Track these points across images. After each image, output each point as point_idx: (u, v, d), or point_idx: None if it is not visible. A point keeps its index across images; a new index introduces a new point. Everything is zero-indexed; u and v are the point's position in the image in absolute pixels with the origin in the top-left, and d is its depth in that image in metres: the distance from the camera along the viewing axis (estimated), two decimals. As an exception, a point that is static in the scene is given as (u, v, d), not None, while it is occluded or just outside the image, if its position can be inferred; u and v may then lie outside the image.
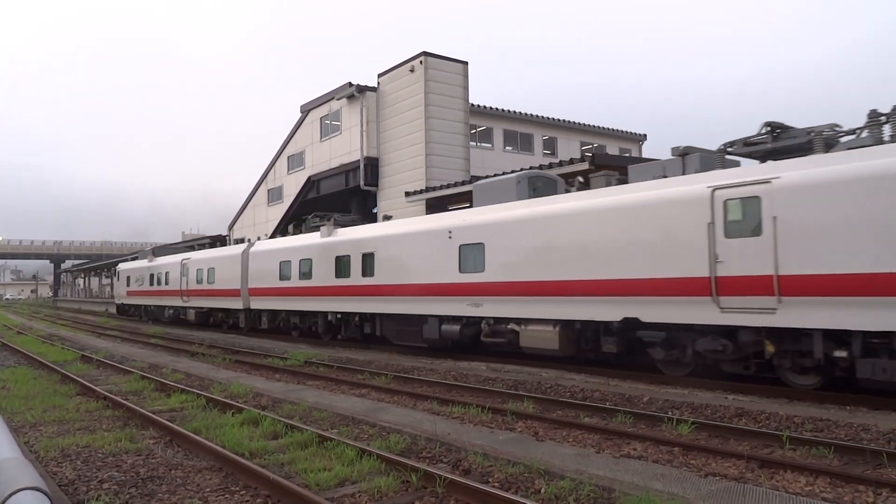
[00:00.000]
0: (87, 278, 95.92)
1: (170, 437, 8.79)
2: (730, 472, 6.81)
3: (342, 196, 31.33)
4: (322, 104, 31.86)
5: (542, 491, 6.18)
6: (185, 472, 7.21)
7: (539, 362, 14.73)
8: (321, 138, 32.15)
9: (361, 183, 28.26)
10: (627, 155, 33.68)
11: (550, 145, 33.23)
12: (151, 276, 34.87)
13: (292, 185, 34.18)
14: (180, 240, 69.57)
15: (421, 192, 25.00)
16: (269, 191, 37.04)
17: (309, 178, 32.48)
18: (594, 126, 34.80)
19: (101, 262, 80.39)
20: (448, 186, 23.83)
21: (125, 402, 11.05)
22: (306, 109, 33.35)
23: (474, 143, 29.43)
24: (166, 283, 32.82)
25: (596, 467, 6.82)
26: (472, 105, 28.49)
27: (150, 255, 36.45)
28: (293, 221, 30.02)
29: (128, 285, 37.15)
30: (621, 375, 12.94)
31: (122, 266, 40.09)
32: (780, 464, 6.92)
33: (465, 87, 27.28)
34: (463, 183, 23.59)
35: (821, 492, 6.16)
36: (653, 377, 12.46)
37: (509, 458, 7.22)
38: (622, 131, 36.12)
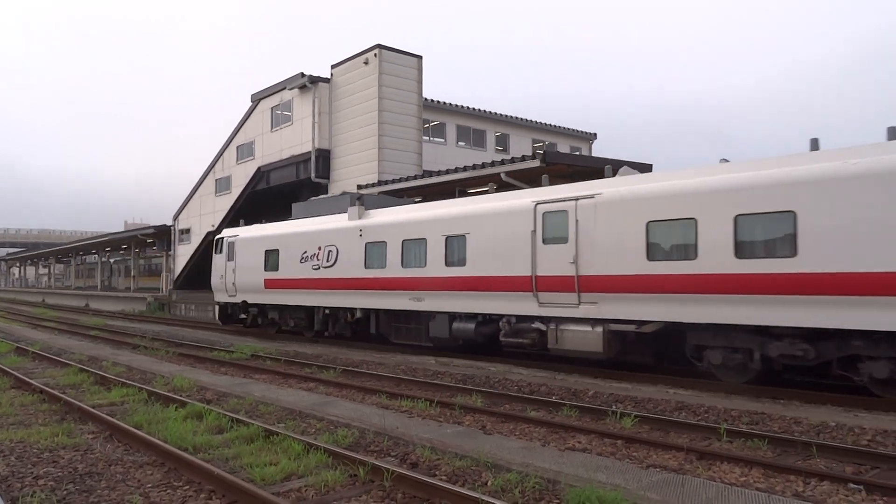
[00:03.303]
0: (23, 268, 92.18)
1: (110, 432, 8.56)
2: (670, 463, 7.02)
3: (292, 188, 30.89)
4: (273, 94, 31.33)
5: (489, 483, 6.26)
6: (126, 468, 7.04)
7: (487, 357, 14.86)
8: (272, 128, 31.62)
9: (313, 175, 27.92)
10: (578, 153, 34.19)
11: (503, 142, 33.46)
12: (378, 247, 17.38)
13: (241, 176, 33.53)
14: (123, 229, 67.48)
15: (373, 185, 24.87)
16: (216, 181, 36.25)
17: (259, 168, 31.91)
18: (546, 124, 35.18)
19: (40, 251, 77.37)
20: (401, 180, 23.77)
21: (63, 395, 10.70)
22: (257, 99, 32.73)
23: (427, 138, 29.41)
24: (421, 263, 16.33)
25: (542, 460, 6.94)
26: (426, 99, 28.46)
27: (351, 205, 18.35)
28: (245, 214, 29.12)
29: (265, 267, 20.51)
30: (567, 370, 13.17)
31: (243, 233, 22.29)
32: (718, 455, 7.17)
33: (419, 81, 27.22)
34: (416, 177, 23.56)
35: (754, 482, 6.41)
36: (598, 371, 12.72)
37: (457, 451, 7.28)
38: (574, 130, 36.62)
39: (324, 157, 28.10)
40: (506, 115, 33.30)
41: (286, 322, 20.79)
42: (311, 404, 10.22)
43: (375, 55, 26.12)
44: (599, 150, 38.81)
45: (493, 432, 8.42)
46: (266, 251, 20.54)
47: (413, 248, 15.88)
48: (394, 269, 16.18)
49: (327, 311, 18.75)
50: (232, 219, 34.19)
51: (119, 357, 16.65)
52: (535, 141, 34.40)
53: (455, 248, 14.88)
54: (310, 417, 9.36)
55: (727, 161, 11.52)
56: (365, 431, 8.34)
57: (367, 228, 17.15)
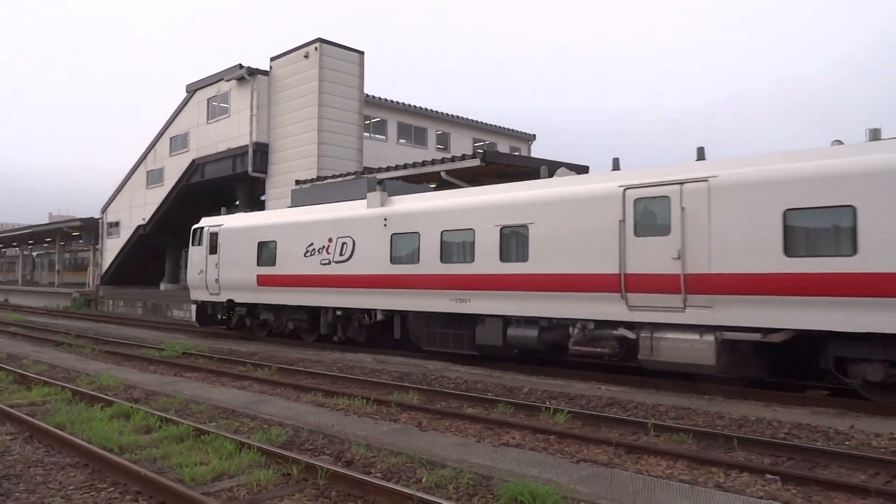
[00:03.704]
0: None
1: (30, 433, 8.19)
2: (600, 457, 7.21)
3: (228, 181, 30.21)
4: (210, 85, 30.54)
5: (424, 480, 6.29)
6: (47, 470, 6.76)
7: (426, 354, 14.90)
8: (208, 120, 30.83)
9: (250, 169, 27.37)
10: (517, 153, 34.63)
11: (444, 140, 33.58)
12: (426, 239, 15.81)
13: (175, 168, 32.56)
14: (48, 221, 64.53)
15: (312, 180, 24.57)
16: (148, 172, 35.09)
17: (193, 161, 31.06)
18: (487, 123, 35.49)
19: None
20: (341, 176, 23.57)
21: (-22, 395, 10.17)
22: (193, 89, 31.84)
23: (368, 135, 29.25)
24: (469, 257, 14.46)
25: (476, 456, 7.02)
26: (368, 96, 28.29)
27: (370, 190, 16.33)
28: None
29: (258, 262, 18.05)
30: (503, 367, 13.34)
31: (229, 222, 19.71)
32: (645, 449, 7.41)
33: (361, 77, 27.04)
34: (356, 174, 23.40)
35: (679, 474, 6.65)
36: (532, 369, 12.94)
37: (392, 448, 7.29)
38: (513, 130, 37.07)
39: (262, 151, 27.58)
40: (447, 114, 33.43)
41: (282, 324, 18.20)
42: (244, 403, 10.03)
43: (316, 49, 25.79)
44: (538, 150, 39.40)
45: (428, 429, 8.46)
46: (259, 243, 17.97)
47: (456, 241, 13.63)
48: (430, 264, 13.88)
49: (338, 313, 16.30)
50: (164, 213, 33.23)
51: (41, 355, 15.94)
52: (475, 140, 34.67)
53: (513, 240, 12.73)
54: (243, 416, 9.19)
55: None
56: (299, 430, 8.25)
57: (393, 217, 14.77)
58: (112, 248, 37.76)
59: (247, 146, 27.56)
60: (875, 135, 9.59)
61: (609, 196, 11.43)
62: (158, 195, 33.66)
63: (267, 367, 13.62)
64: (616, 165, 12.31)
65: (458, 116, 34.00)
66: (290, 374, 13.20)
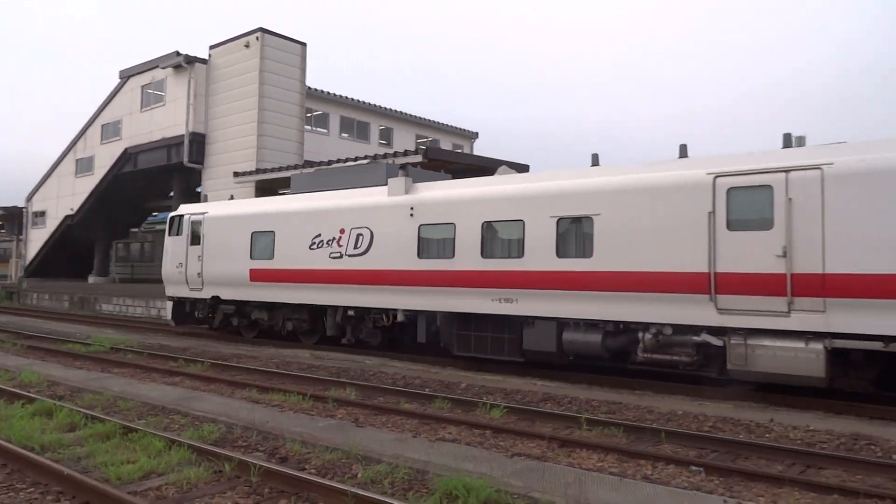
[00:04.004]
0: None
1: (-59, 432, 7.77)
2: (534, 451, 7.35)
3: (162, 172, 29.30)
4: (145, 71, 29.53)
5: (359, 476, 6.28)
6: (-40, 470, 6.43)
7: (365, 350, 14.83)
8: (142, 108, 29.81)
9: (185, 159, 26.60)
10: (460, 150, 34.78)
11: (386, 135, 33.43)
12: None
13: (106, 157, 31.35)
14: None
15: (251, 172, 24.09)
16: (77, 161, 33.68)
17: (126, 150, 29.97)
18: (430, 120, 35.51)
19: None
20: (281, 169, 23.18)
21: None
22: (126, 75, 30.73)
23: (310, 128, 28.85)
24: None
25: (412, 451, 7.04)
26: (310, 88, 27.90)
27: (390, 175, 14.69)
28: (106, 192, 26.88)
29: (252, 254, 16.30)
30: (441, 363, 13.41)
31: (216, 209, 17.84)
32: (578, 443, 7.59)
33: (303, 69, 26.63)
34: (297, 167, 23.06)
35: (609, 467, 6.84)
36: (470, 364, 13.05)
37: (328, 444, 7.25)
38: (456, 127, 37.21)
39: (198, 142, 26.84)
40: (390, 109, 33.29)
41: (278, 325, 16.44)
42: (175, 399, 9.77)
43: (257, 39, 25.27)
44: (480, 149, 39.69)
45: (365, 425, 8.43)
46: (254, 234, 16.16)
47: (500, 234, 12.23)
48: (467, 259, 12.40)
49: (350, 313, 14.62)
50: (94, 203, 31.97)
51: (-44, 350, 15.12)
52: (418, 136, 34.66)
53: (573, 233, 11.37)
54: (173, 413, 8.95)
55: None
56: (233, 426, 8.10)
57: (422, 206, 13.20)
58: (37, 238, 36.10)
59: (183, 136, 26.77)
60: None
61: (695, 185, 10.20)
62: (88, 184, 32.36)
63: (200, 363, 13.29)
64: (683, 152, 11.07)
65: (401, 112, 33.91)
66: (224, 369, 12.92)
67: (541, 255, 11.58)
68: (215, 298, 17.31)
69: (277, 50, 25.77)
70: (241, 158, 25.32)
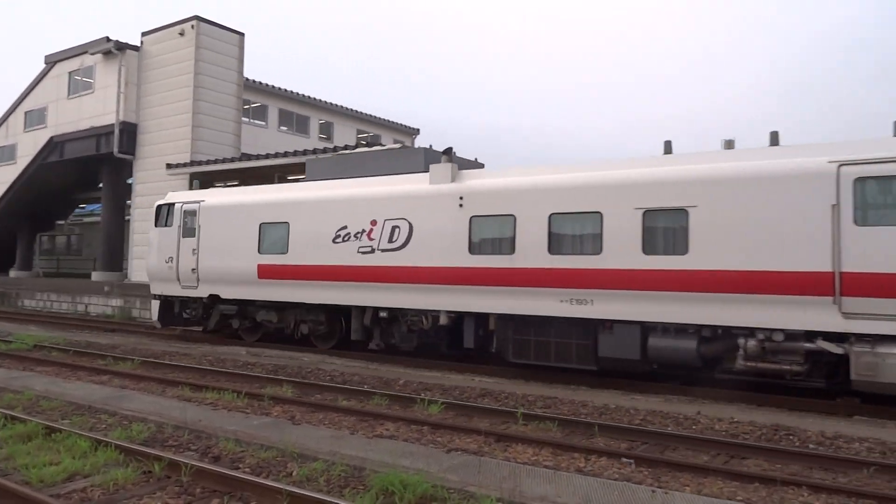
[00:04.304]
0: None
1: None
2: (471, 446, 7.42)
3: (91, 162, 28.15)
4: (73, 57, 28.29)
5: (294, 473, 6.21)
6: None
7: (300, 347, 14.64)
8: (69, 95, 28.56)
9: (116, 149, 25.64)
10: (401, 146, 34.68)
11: (327, 130, 33.05)
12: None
13: (29, 145, 29.90)
14: None
15: (185, 165, 23.42)
16: (-2, 149, 32.02)
17: (51, 138, 28.66)
18: (371, 115, 35.29)
19: None
20: (217, 161, 22.61)
21: None
22: (53, 61, 29.37)
23: (247, 120, 28.25)
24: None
25: (349, 448, 7.01)
26: (247, 79, 27.30)
27: (429, 161, 13.28)
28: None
29: (260, 248, 14.68)
30: (381, 360, 13.38)
31: (214, 197, 16.12)
32: (514, 437, 7.70)
33: (241, 60, 26.03)
34: (233, 159, 22.55)
35: (544, 460, 6.97)
36: (409, 361, 13.06)
37: (263, 442, 7.14)
38: (398, 123, 37.10)
39: (129, 132, 25.92)
40: (331, 103, 32.92)
41: (289, 327, 14.76)
42: (103, 398, 9.43)
43: (192, 27, 24.56)
44: (422, 144, 39.62)
45: (302, 422, 8.34)
46: (262, 225, 14.49)
47: (573, 227, 11.00)
48: (531, 255, 11.17)
49: (383, 314, 13.10)
50: (17, 193, 30.45)
51: None
52: (359, 131, 34.39)
53: (663, 227, 10.27)
54: (101, 412, 8.64)
55: None
56: (163, 426, 7.89)
57: (474, 196, 11.89)
58: (-48, 230, 34.17)
59: (113, 125, 25.79)
60: None
61: (816, 174, 9.20)
62: (10, 174, 30.79)
63: (130, 361, 12.86)
64: (775, 140, 10.24)
65: (342, 106, 33.58)
66: (155, 367, 12.54)
67: (623, 251, 10.39)
68: (213, 297, 15.47)
69: (214, 39, 25.11)
70: (175, 150, 24.57)
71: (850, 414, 9.05)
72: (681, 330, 10.15)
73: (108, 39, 26.08)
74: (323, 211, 13.63)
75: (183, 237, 15.87)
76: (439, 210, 12.21)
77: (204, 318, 16.16)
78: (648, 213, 10.32)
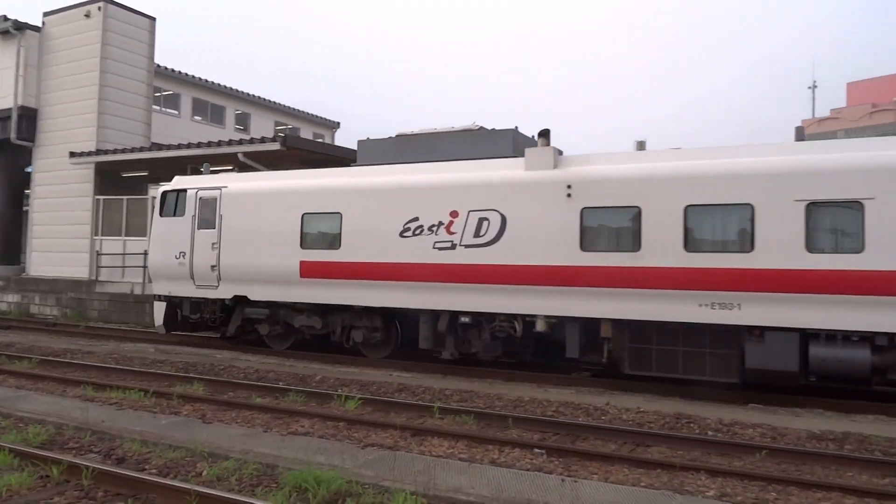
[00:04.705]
0: None
1: None
2: (387, 441, 7.44)
3: (-15, 148, 26.31)
4: (-37, 35, 26.31)
5: (204, 473, 6.06)
6: None
7: (213, 345, 14.23)
8: (-41, 76, 26.56)
9: (13, 135, 24.03)
10: (321, 140, 34.21)
11: (243, 121, 32.14)
12: None
13: (-87, 129, 27.64)
14: None
15: (91, 153, 22.24)
16: None
17: (-61, 121, 26.59)
18: (290, 107, 34.58)
19: None
20: (125, 151, 21.58)
21: None
22: (-61, 38, 27.21)
23: (159, 108, 27.11)
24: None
25: (263, 446, 6.88)
26: (159, 66, 26.19)
27: (515, 145, 12.16)
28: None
29: (302, 243, 12.76)
30: (297, 356, 13.18)
31: (239, 183, 14.02)
32: (430, 431, 7.77)
33: (151, 45, 24.91)
34: (143, 149, 21.59)
35: (459, 453, 7.07)
36: (326, 357, 12.93)
37: (171, 442, 6.92)
38: (318, 116, 36.52)
39: (29, 117, 24.36)
40: (248, 94, 32.04)
41: (335, 333, 12.94)
42: (-5, 400, 8.87)
43: (100, 9, 23.32)
44: (342, 139, 39.23)
45: (213, 421, 8.12)
46: (306, 216, 12.66)
47: (712, 221, 9.77)
48: (661, 253, 9.88)
49: (465, 319, 11.48)
50: None
51: None
52: (277, 123, 33.64)
53: (832, 223, 9.09)
54: (-7, 415, 8.13)
55: None
56: (63, 427, 7.51)
57: (584, 185, 10.48)
58: None
59: (10, 110, 24.18)
60: None
61: None
62: None
63: (28, 360, 12.15)
64: None
65: (259, 97, 32.74)
66: (54, 366, 11.89)
67: (781, 248, 9.26)
68: (239, 299, 13.49)
69: (122, 23, 23.93)
70: (80, 137, 23.28)
71: (746, 402, 9.61)
72: (847, 338, 9.08)
73: (5, 18, 24.41)
74: (387, 200, 11.91)
75: (199, 229, 13.70)
76: (540, 200, 10.74)
77: (222, 323, 14.08)
78: (813, 206, 9.18)
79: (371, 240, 11.94)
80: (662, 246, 9.90)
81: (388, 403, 9.16)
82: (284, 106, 34.31)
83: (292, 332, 13.51)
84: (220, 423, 8.04)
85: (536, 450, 7.15)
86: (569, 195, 10.54)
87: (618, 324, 10.37)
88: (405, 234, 11.69)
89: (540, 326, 10.88)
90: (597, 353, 10.76)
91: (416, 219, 11.62)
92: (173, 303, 14.25)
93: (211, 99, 30.40)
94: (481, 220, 11.12)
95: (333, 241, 12.34)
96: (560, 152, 11.08)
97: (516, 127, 12.31)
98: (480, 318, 11.43)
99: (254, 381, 10.55)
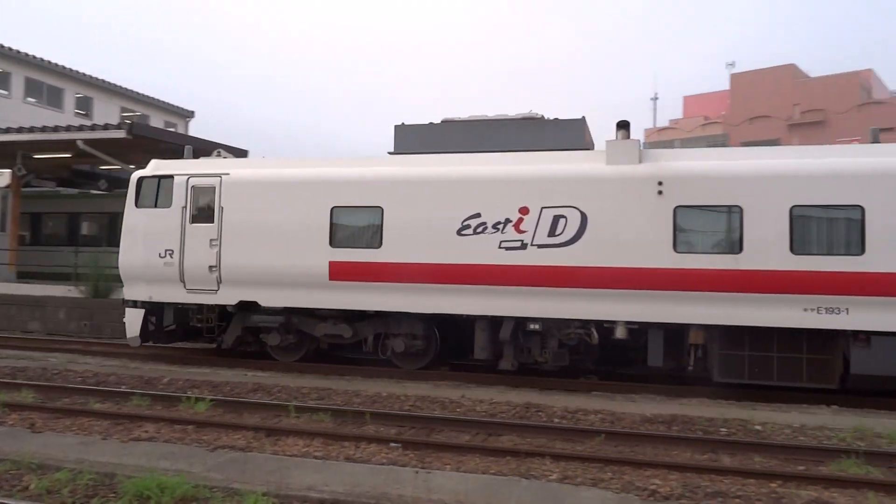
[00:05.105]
0: None
1: None
2: (239, 443, 7.22)
3: None
4: None
5: (32, 487, 5.60)
6: None
7: (45, 347, 13.09)
8: None
9: None
10: (173, 129, 32.36)
11: (85, 105, 29.73)
12: None
13: None
14: None
15: None
16: None
17: None
18: (138, 93, 32.41)
19: None
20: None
21: None
22: None
23: (-18, 87, 24.45)
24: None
25: (101, 454, 6.46)
26: (-17, 40, 23.62)
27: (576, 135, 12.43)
28: None
29: (332, 241, 11.21)
30: (143, 357, 12.45)
31: (245, 170, 12.15)
32: (284, 431, 7.63)
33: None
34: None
35: (314, 451, 7.00)
36: (174, 357, 12.30)
37: (-7, 455, 6.30)
38: (170, 104, 34.51)
39: None
40: (91, 76, 29.67)
41: (366, 343, 11.64)
42: None
43: None
44: (196, 129, 37.31)
45: (44, 430, 7.49)
46: (336, 209, 11.16)
47: (821, 222, 9.42)
48: (765, 256, 9.46)
49: (534, 327, 10.54)
50: None
51: None
52: (124, 110, 31.42)
53: None
54: None
55: None
56: None
57: (677, 181, 9.87)
58: None
59: None
60: None
61: None
62: None
63: None
64: None
65: (104, 81, 30.41)
66: None
67: (894, 251, 9.04)
68: (245, 305, 11.71)
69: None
70: None
71: (590, 390, 10.28)
72: None
73: None
74: (440, 193, 10.71)
75: (191, 223, 11.81)
76: (625, 197, 10.03)
77: (216, 333, 12.20)
78: None
79: (421, 238, 10.71)
80: (766, 248, 9.50)
81: (242, 404, 8.89)
82: (132, 91, 32.12)
83: (306, 341, 11.98)
84: (52, 431, 7.44)
85: (392, 444, 7.23)
86: (660, 192, 9.90)
87: (708, 329, 9.96)
88: (464, 232, 10.57)
89: (620, 333, 10.17)
90: (679, 360, 10.31)
91: (478, 215, 10.54)
92: (153, 310, 12.14)
93: (48, 80, 27.89)
94: (556, 218, 10.23)
95: (372, 239, 10.99)
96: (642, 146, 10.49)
97: (583, 117, 11.60)
98: (550, 325, 10.54)
99: (92, 386, 9.82)
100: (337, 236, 11.13)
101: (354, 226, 11.19)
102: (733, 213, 9.67)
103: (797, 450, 7.19)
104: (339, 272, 11.06)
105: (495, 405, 9.09)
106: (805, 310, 9.32)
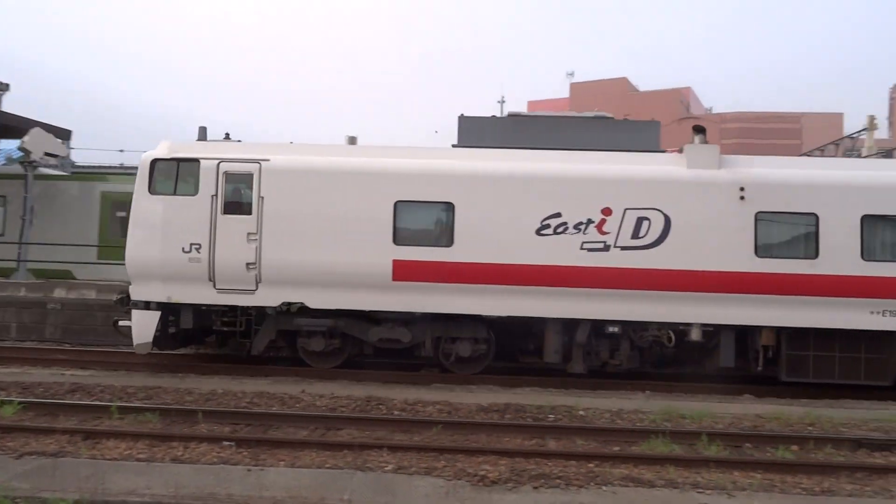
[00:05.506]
0: None
1: None
2: (50, 448, 6.66)
3: None
4: None
5: None
6: None
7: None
8: None
9: None
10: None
11: None
12: None
13: None
14: None
15: None
16: None
17: None
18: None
19: None
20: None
21: None
22: None
23: None
24: None
25: None
26: None
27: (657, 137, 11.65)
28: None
29: (395, 238, 10.34)
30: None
31: (287, 156, 10.70)
32: (104, 433, 7.16)
33: None
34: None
35: (138, 453, 6.61)
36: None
37: None
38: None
39: None
40: None
41: (426, 346, 10.79)
42: None
43: None
44: (11, 104, 33.49)
45: None
46: (400, 204, 10.37)
47: (890, 232, 10.03)
48: (838, 261, 9.98)
49: (613, 329, 10.39)
50: None
51: None
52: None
53: None
54: None
55: None
56: None
57: (760, 188, 10.08)
58: None
59: None
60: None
61: None
62: None
63: None
64: None
65: None
66: None
67: None
68: (289, 307, 10.62)
69: None
70: None
71: (429, 382, 10.53)
72: None
73: None
74: (519, 191, 10.34)
75: (223, 213, 10.57)
76: (707, 201, 10.18)
77: (244, 338, 10.99)
78: None
79: (496, 237, 10.30)
80: (839, 254, 10.04)
81: (57, 406, 8.22)
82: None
83: (348, 346, 11.07)
84: None
85: (225, 442, 6.99)
86: (742, 198, 10.15)
87: (778, 331, 10.31)
88: (543, 232, 10.28)
89: (695, 335, 10.33)
90: (748, 361, 10.65)
91: (558, 214, 10.29)
92: (169, 311, 10.78)
93: None
94: (640, 220, 10.22)
95: (441, 237, 10.46)
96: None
97: (657, 121, 11.90)
98: (627, 328, 10.52)
99: None
100: (401, 233, 10.50)
101: (421, 222, 10.69)
102: (810, 220, 10.18)
103: (613, 432, 7.86)
104: (405, 272, 10.43)
105: (336, 399, 9.06)
106: (871, 312, 10.01)
